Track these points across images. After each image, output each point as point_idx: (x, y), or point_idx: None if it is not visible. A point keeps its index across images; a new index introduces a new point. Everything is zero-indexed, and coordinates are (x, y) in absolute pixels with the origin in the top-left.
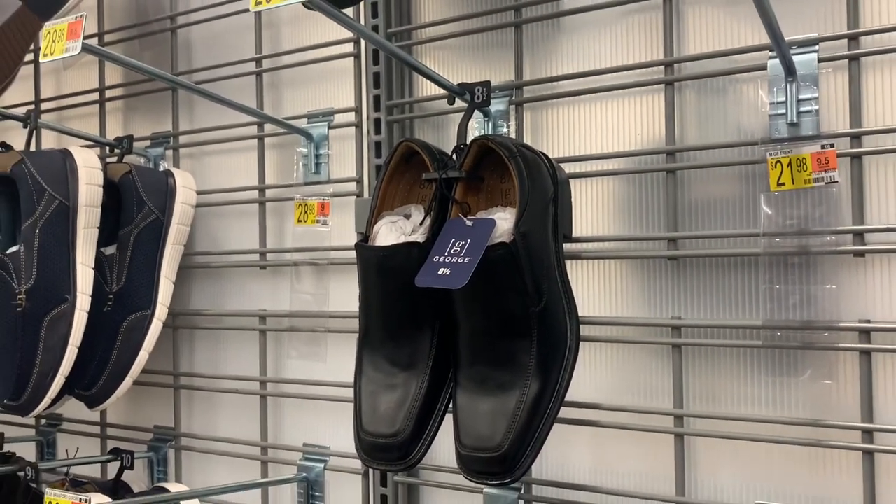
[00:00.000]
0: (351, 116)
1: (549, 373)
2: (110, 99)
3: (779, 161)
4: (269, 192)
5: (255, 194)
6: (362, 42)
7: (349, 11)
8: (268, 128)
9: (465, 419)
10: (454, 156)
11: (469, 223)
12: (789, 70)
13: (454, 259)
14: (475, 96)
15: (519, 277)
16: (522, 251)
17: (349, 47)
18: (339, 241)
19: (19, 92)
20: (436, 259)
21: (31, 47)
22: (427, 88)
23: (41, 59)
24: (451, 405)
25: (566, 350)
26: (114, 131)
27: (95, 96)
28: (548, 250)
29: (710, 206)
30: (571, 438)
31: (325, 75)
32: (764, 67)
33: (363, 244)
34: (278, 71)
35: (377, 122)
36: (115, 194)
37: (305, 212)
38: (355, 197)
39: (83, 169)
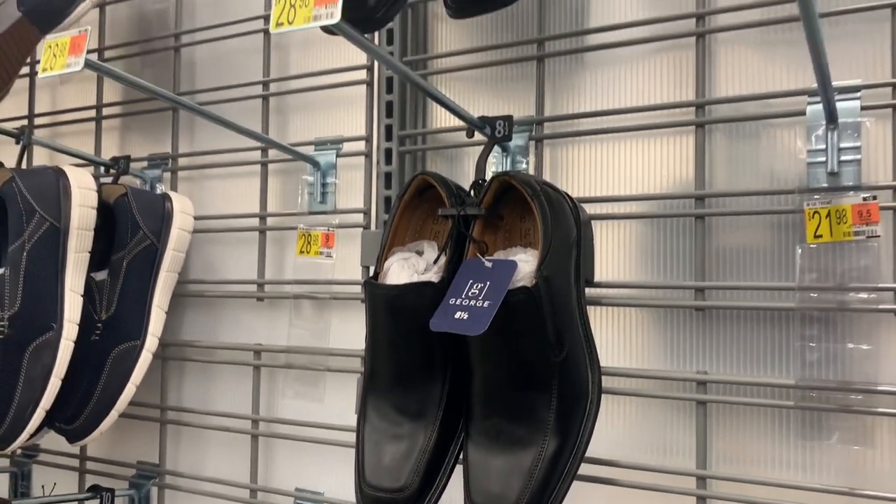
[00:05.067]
0: (361, 145)
1: (569, 428)
2: (107, 117)
3: (817, 212)
4: (270, 221)
5: (255, 222)
6: (375, 69)
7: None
8: (272, 153)
9: (477, 476)
10: (472, 191)
11: (488, 264)
12: (831, 117)
13: (472, 302)
14: (496, 130)
15: (540, 325)
16: (545, 296)
17: (361, 74)
18: (342, 275)
19: (12, 105)
20: (452, 301)
21: (28, 60)
22: (441, 120)
23: (40, 74)
24: (461, 459)
25: (587, 404)
26: (110, 150)
27: (92, 113)
28: (570, 296)
29: (741, 256)
30: (586, 496)
31: (334, 102)
32: (801, 113)
33: (373, 281)
34: (285, 96)
35: (388, 152)
36: (109, 217)
37: (309, 242)
38: (362, 229)
39: (77, 190)
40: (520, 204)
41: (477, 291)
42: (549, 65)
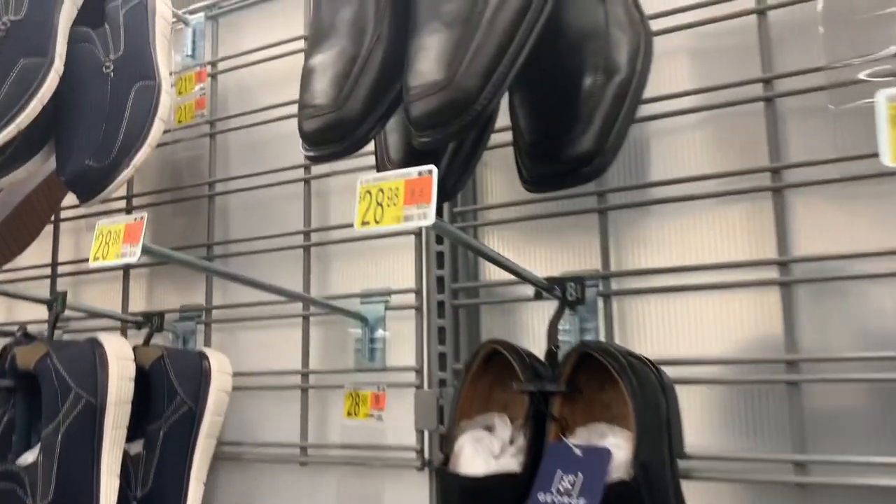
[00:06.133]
0: (411, 298)
1: None
2: (136, 266)
3: None
4: (312, 378)
5: (296, 378)
6: None
7: None
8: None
9: None
10: (547, 360)
11: (577, 451)
12: None
13: (565, 499)
14: (567, 293)
15: None
16: (645, 489)
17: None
18: (394, 439)
19: (37, 251)
20: (542, 498)
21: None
22: (495, 270)
23: (91, 263)
24: None
25: None
26: (138, 301)
27: None
28: (666, 478)
29: (844, 425)
30: None
31: (380, 250)
32: (894, 274)
33: (445, 469)
34: (328, 245)
35: (440, 305)
36: (144, 382)
37: (357, 404)
38: (415, 389)
39: (114, 361)
40: (599, 373)
41: (568, 485)
42: (610, 215)
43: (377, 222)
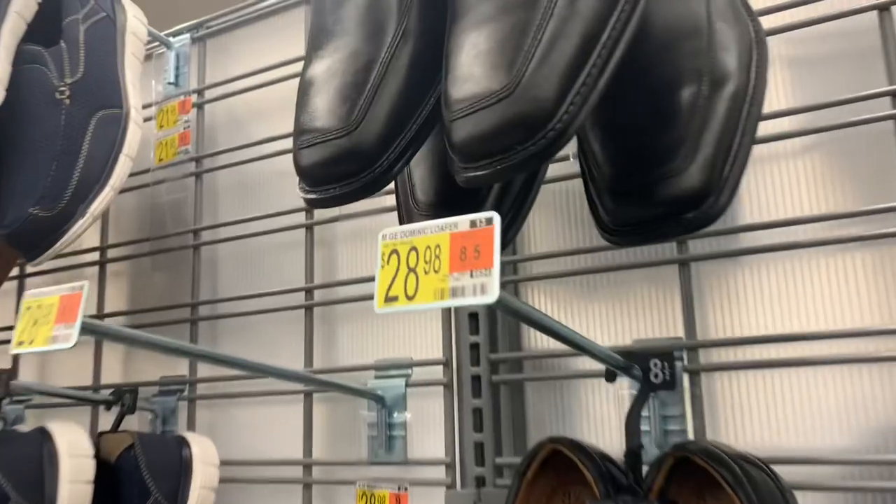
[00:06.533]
0: (438, 371)
1: None
2: None
3: None
4: (316, 471)
5: (298, 471)
6: None
7: None
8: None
9: None
10: (626, 464)
11: None
12: None
13: None
14: (651, 374)
15: None
16: None
17: None
18: None
19: None
20: None
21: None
22: (542, 337)
23: (12, 349)
24: None
25: None
26: (112, 371)
27: None
28: None
29: None
30: None
31: (399, 314)
32: None
33: None
34: (335, 305)
35: (476, 380)
36: (109, 478)
37: None
38: (445, 488)
39: (67, 460)
40: (696, 479)
41: None
42: (692, 266)
43: (409, 298)
